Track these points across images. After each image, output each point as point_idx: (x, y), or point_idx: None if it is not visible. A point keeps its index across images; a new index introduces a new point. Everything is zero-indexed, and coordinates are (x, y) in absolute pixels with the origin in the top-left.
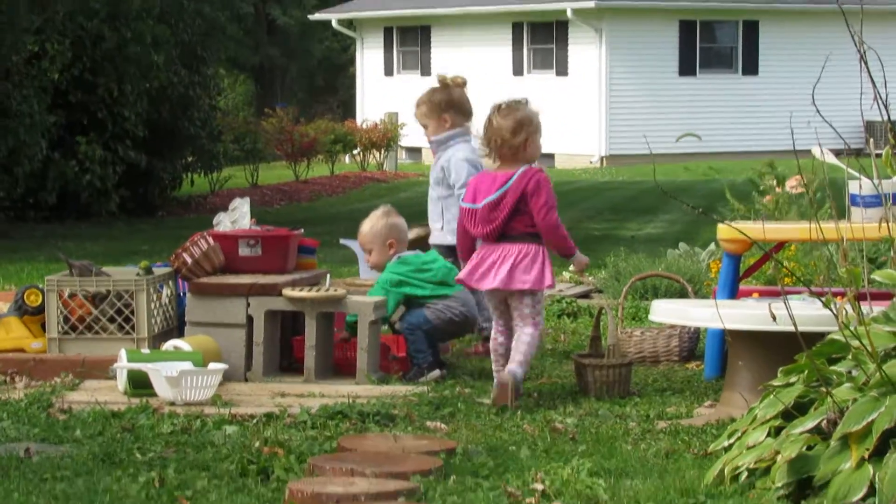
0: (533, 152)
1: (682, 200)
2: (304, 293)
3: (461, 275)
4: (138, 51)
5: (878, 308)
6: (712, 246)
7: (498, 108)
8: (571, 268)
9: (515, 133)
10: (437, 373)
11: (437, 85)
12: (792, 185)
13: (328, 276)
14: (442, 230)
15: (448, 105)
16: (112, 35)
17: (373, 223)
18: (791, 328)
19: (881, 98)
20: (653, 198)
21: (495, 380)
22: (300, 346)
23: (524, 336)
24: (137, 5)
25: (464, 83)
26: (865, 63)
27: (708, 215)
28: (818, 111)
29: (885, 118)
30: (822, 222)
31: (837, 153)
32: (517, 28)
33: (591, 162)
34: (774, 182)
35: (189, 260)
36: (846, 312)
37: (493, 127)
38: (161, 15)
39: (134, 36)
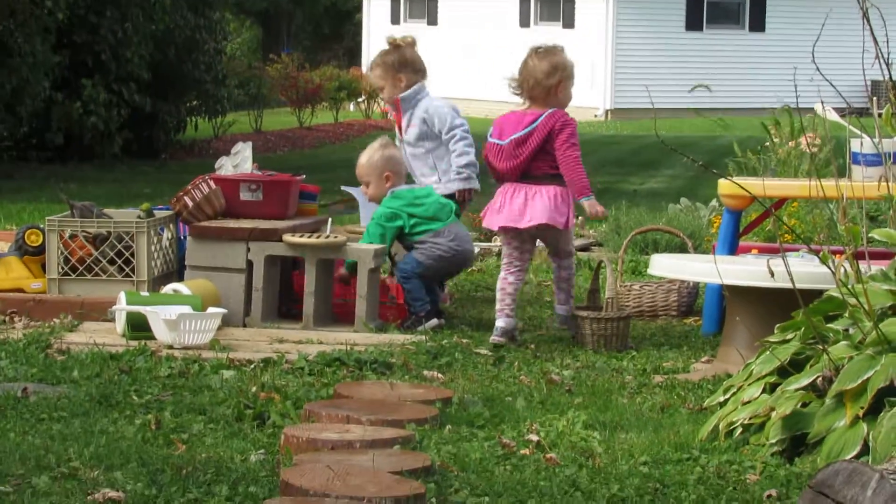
0: (564, 97)
1: (685, 154)
2: (304, 239)
3: (488, 220)
4: None
5: (876, 267)
6: (714, 202)
7: (535, 51)
8: (587, 209)
9: (549, 75)
10: (434, 321)
11: (377, 56)
12: (810, 140)
13: (329, 221)
14: (440, 182)
15: (402, 65)
16: None
17: (369, 155)
18: (789, 285)
19: (883, 56)
20: (656, 152)
21: (502, 324)
22: (301, 281)
23: (570, 271)
24: None
25: (413, 42)
26: (867, 20)
27: (710, 170)
28: (818, 69)
29: (887, 77)
30: (822, 180)
31: (841, 112)
32: None
33: (595, 115)
34: (788, 136)
35: (190, 203)
36: (844, 270)
37: (528, 67)
38: None
39: None
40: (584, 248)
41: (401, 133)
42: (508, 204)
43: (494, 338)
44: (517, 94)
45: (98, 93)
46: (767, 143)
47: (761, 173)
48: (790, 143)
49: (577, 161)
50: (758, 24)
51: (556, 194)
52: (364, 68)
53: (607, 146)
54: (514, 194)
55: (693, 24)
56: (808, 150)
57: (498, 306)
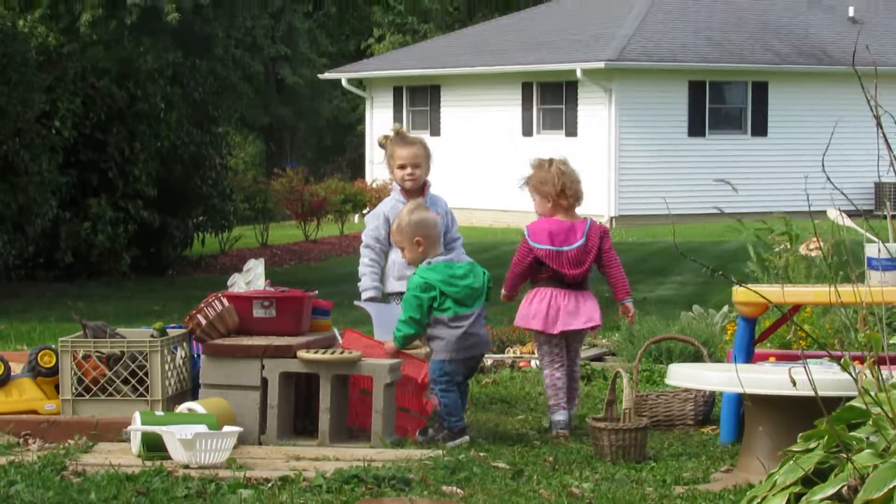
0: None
1: (698, 261)
2: (318, 355)
3: (538, 323)
4: (148, 109)
5: None
6: (726, 308)
7: (557, 160)
8: (630, 309)
9: (580, 183)
10: (466, 438)
11: (414, 138)
12: (810, 246)
13: (336, 332)
14: None
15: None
16: (123, 94)
17: (398, 221)
18: (811, 393)
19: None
20: (663, 259)
21: (563, 417)
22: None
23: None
24: (149, 65)
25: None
26: (880, 126)
27: (726, 276)
28: (828, 178)
29: None
30: (839, 286)
31: (852, 214)
32: (527, 88)
33: (600, 223)
34: (788, 243)
35: (203, 321)
36: (865, 377)
37: (566, 174)
38: (173, 75)
39: (144, 95)
40: (598, 358)
41: None
42: (562, 307)
43: (559, 430)
44: (563, 200)
45: (105, 211)
46: (778, 249)
47: (765, 280)
48: (802, 246)
49: (620, 264)
50: (760, 129)
51: (592, 296)
52: (368, 180)
53: None
54: (562, 297)
55: (696, 129)
56: (814, 255)
57: (552, 402)
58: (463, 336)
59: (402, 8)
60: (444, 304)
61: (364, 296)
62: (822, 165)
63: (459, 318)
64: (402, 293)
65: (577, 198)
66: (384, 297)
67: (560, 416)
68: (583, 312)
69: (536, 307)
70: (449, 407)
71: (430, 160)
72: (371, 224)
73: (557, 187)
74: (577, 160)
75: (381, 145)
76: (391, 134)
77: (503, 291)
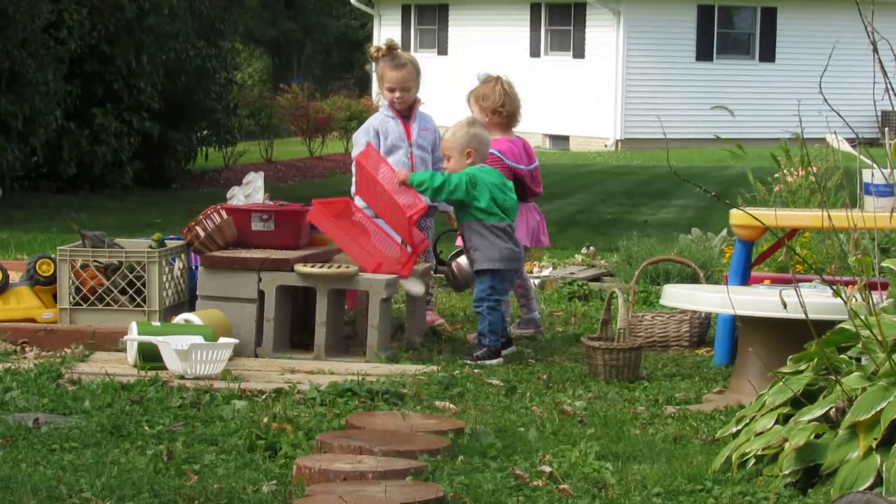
0: None
1: (697, 184)
2: (316, 269)
3: (532, 241)
4: (156, 22)
5: (887, 296)
6: (724, 232)
7: (503, 80)
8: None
9: (520, 108)
10: (501, 360)
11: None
12: (815, 170)
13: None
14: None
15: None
16: (130, 5)
17: (454, 131)
18: (802, 316)
19: (892, 88)
20: (666, 183)
21: (532, 316)
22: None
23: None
24: None
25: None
26: (877, 52)
27: (721, 200)
28: (826, 101)
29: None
30: (833, 210)
31: (852, 142)
32: (535, 9)
33: (605, 145)
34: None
35: (202, 233)
36: (856, 301)
37: (508, 94)
38: None
39: (152, 7)
40: (595, 279)
41: (408, 137)
42: (539, 223)
43: (536, 330)
44: (497, 117)
45: (109, 122)
46: (777, 175)
47: (771, 204)
48: (799, 171)
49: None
50: (768, 55)
51: None
52: (374, 98)
53: (617, 176)
54: (531, 213)
55: (703, 54)
56: (814, 180)
57: (525, 302)
58: (505, 246)
59: None
60: (493, 210)
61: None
62: (820, 89)
63: (505, 230)
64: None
65: (511, 118)
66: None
67: (534, 314)
68: (543, 226)
69: (524, 224)
70: (493, 325)
71: (419, 79)
72: (361, 140)
73: (497, 103)
74: (584, 82)
75: (374, 59)
76: (383, 47)
77: None
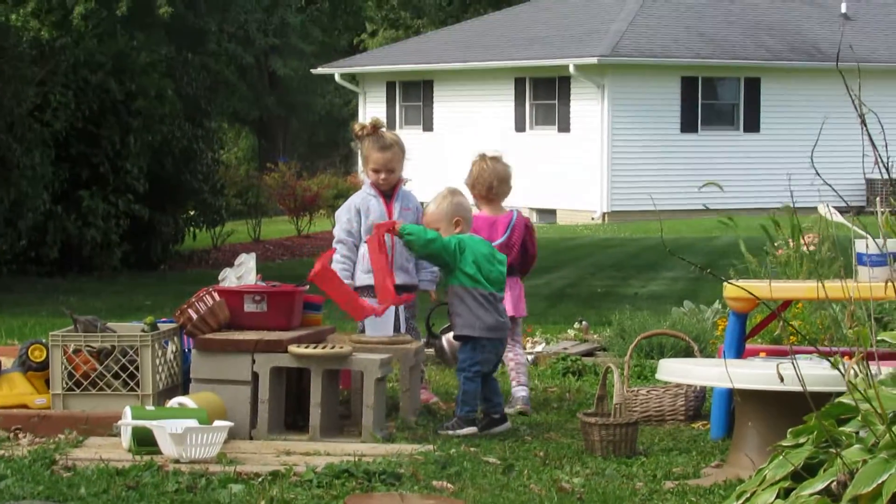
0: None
1: (688, 260)
2: (310, 350)
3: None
4: (144, 104)
5: (885, 369)
6: (717, 304)
7: (488, 156)
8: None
9: (510, 179)
10: (475, 429)
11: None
12: (808, 240)
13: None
14: (414, 274)
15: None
16: (118, 88)
17: (438, 203)
18: (799, 388)
19: (881, 159)
20: (655, 255)
21: (525, 392)
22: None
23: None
24: (143, 59)
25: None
26: (864, 124)
27: (715, 274)
28: (817, 172)
29: (885, 177)
30: (827, 282)
31: (842, 210)
32: (520, 83)
33: (592, 218)
34: (789, 238)
35: (194, 316)
36: (854, 373)
37: (490, 170)
38: (166, 69)
39: (139, 89)
40: (589, 353)
41: (390, 216)
42: (518, 289)
43: (524, 406)
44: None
45: (97, 204)
46: (766, 247)
47: (762, 275)
48: (790, 243)
49: (535, 255)
50: (752, 125)
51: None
52: (361, 175)
53: (605, 249)
54: (514, 283)
55: (688, 125)
56: (807, 250)
57: (515, 376)
58: (488, 316)
59: (395, 3)
60: (479, 277)
61: None
62: (812, 161)
63: (488, 299)
64: (371, 286)
65: (504, 190)
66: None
67: (523, 391)
68: (522, 299)
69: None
70: (468, 395)
71: (404, 159)
72: (343, 217)
73: (486, 186)
74: (569, 155)
75: (358, 137)
76: (368, 126)
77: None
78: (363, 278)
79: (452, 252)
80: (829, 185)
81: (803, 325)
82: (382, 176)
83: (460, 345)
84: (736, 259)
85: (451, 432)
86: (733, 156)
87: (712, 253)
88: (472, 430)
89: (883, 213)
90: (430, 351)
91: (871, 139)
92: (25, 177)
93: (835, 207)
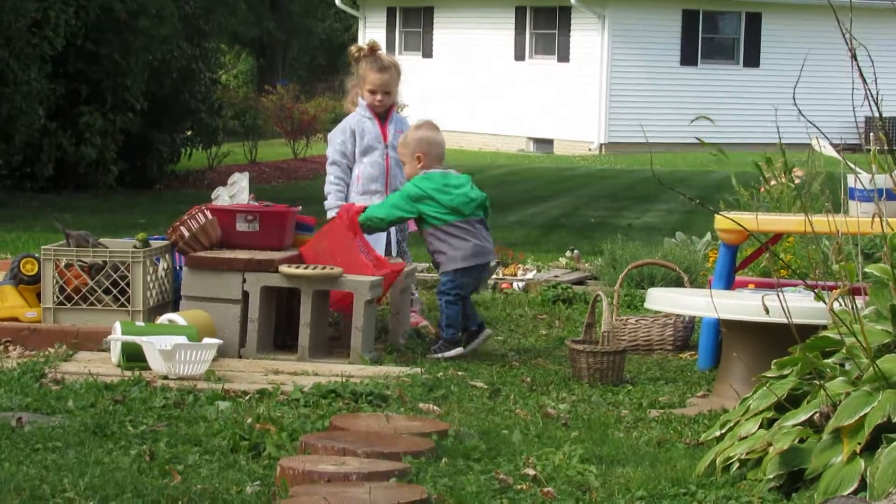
0: None
1: (680, 192)
2: (301, 270)
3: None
4: (145, 24)
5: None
6: (709, 236)
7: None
8: None
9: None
10: (461, 350)
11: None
12: (798, 174)
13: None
14: None
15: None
16: (119, 6)
17: (404, 136)
18: (785, 320)
19: (872, 95)
20: (650, 187)
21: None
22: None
23: None
24: None
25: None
26: (855, 60)
27: (705, 206)
28: (800, 111)
29: (876, 115)
30: (815, 215)
31: (836, 147)
32: (520, 12)
33: (589, 149)
34: (782, 171)
35: (186, 233)
36: (840, 306)
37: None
38: None
39: (140, 8)
40: (580, 282)
41: (384, 138)
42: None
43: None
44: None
45: (94, 121)
46: (760, 180)
47: (754, 209)
48: (782, 177)
49: None
50: (752, 60)
51: None
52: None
53: (601, 180)
54: None
55: (688, 59)
56: (797, 183)
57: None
58: (465, 244)
59: None
60: (442, 214)
61: (328, 214)
62: (793, 97)
63: (459, 227)
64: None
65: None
66: None
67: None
68: None
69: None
70: (451, 318)
71: (400, 82)
72: (337, 139)
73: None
74: (568, 86)
75: (354, 59)
76: (364, 48)
77: None
78: (357, 200)
79: (408, 208)
80: (811, 122)
81: (793, 258)
82: (378, 97)
83: (441, 270)
84: (729, 193)
85: (438, 355)
86: (732, 90)
87: (708, 187)
88: (458, 350)
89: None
90: (422, 275)
91: (861, 73)
92: (20, 92)
93: (830, 143)
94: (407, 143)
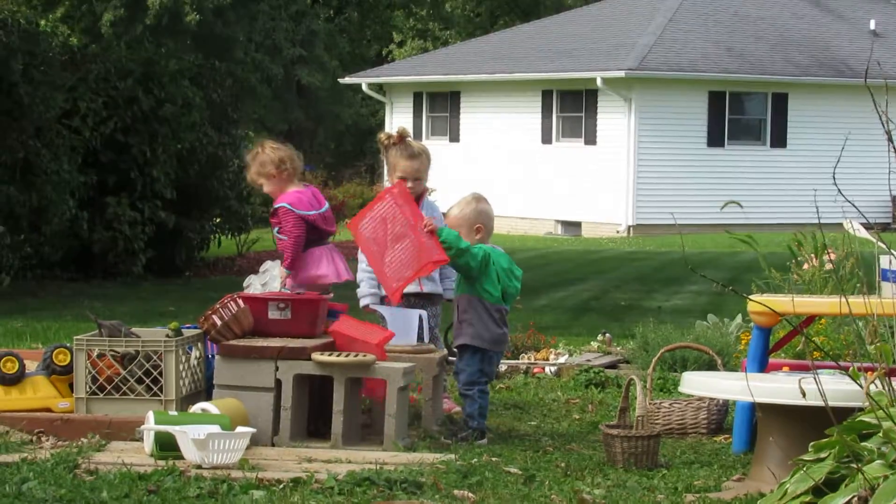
0: None
1: (711, 278)
2: (333, 358)
3: (340, 276)
4: (172, 112)
5: None
6: (740, 318)
7: (266, 143)
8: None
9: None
10: (485, 441)
11: (419, 148)
12: (831, 257)
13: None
14: (439, 282)
15: None
16: (146, 96)
17: (461, 208)
18: (821, 403)
19: None
20: (680, 269)
21: None
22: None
23: None
24: (172, 67)
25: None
26: (891, 140)
27: (737, 292)
28: (839, 190)
29: None
30: (850, 297)
31: (866, 227)
32: (547, 96)
33: (617, 231)
34: (813, 255)
35: (218, 322)
36: (875, 388)
37: (278, 149)
38: (194, 77)
39: (167, 97)
40: (612, 366)
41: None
42: (339, 259)
43: None
44: (283, 174)
45: (124, 210)
46: (792, 262)
47: (786, 291)
48: (814, 260)
49: None
50: (779, 141)
51: None
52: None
53: (630, 262)
54: (334, 252)
55: (715, 140)
56: (832, 267)
57: None
58: (498, 330)
59: (423, 14)
60: (498, 294)
61: (361, 303)
62: (833, 178)
63: (501, 313)
64: (408, 294)
65: (295, 170)
66: (381, 302)
67: None
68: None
69: (328, 263)
70: (483, 408)
71: (429, 168)
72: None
73: (276, 162)
74: (595, 169)
75: (384, 146)
76: (394, 135)
77: (287, 266)
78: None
79: (480, 263)
80: (849, 201)
81: (826, 340)
82: (410, 185)
83: (462, 354)
84: (757, 275)
85: (476, 443)
86: (760, 171)
87: (737, 268)
88: (485, 441)
89: None
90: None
91: None
92: (51, 182)
93: (862, 224)
94: (465, 215)
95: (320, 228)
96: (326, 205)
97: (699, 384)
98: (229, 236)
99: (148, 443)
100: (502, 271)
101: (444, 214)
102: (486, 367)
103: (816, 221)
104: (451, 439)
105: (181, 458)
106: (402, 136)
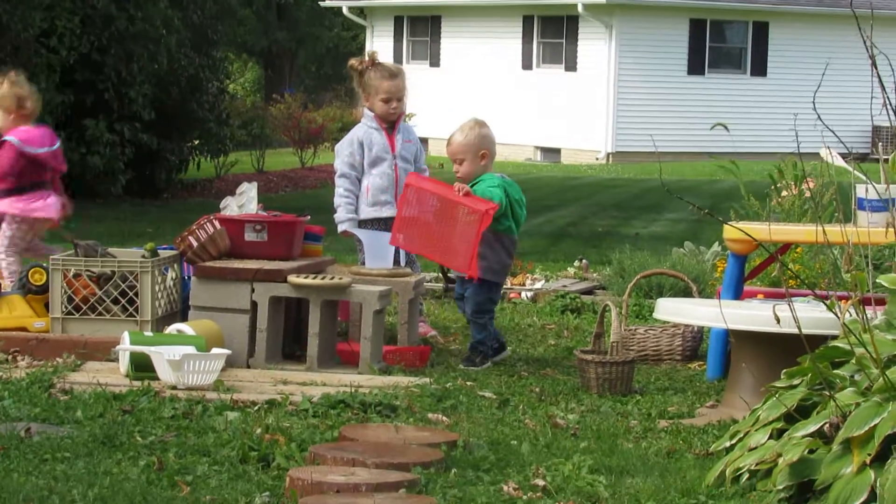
0: None
1: (688, 201)
2: (309, 280)
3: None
4: (148, 31)
5: (882, 312)
6: (717, 246)
7: (10, 76)
8: None
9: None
10: (507, 352)
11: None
12: (809, 185)
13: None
14: None
15: None
16: (121, 15)
17: (465, 133)
18: (795, 331)
19: (890, 103)
20: (658, 196)
21: None
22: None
23: None
24: None
25: None
26: (875, 67)
27: (714, 216)
28: (819, 117)
29: (893, 123)
30: (827, 225)
31: (844, 156)
32: (528, 21)
33: (597, 158)
34: (792, 182)
35: (195, 243)
36: (850, 316)
37: (16, 84)
38: None
39: (144, 17)
40: (588, 292)
41: (392, 149)
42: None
43: None
44: (9, 113)
45: (101, 132)
46: (772, 188)
47: (764, 218)
48: (793, 188)
49: None
50: (759, 69)
51: None
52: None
53: (608, 189)
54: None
55: (695, 68)
56: (809, 196)
57: None
58: (507, 261)
59: None
60: (513, 225)
61: (339, 227)
62: (813, 105)
63: (514, 243)
64: (376, 219)
65: (34, 110)
66: (359, 226)
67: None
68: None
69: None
70: (483, 333)
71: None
72: (345, 151)
73: (14, 101)
74: (575, 95)
75: (356, 70)
76: (366, 60)
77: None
78: (367, 211)
79: (504, 209)
80: (829, 129)
81: (802, 268)
82: (394, 105)
83: (476, 284)
84: (736, 203)
85: (473, 368)
86: (740, 99)
87: (715, 196)
88: (489, 364)
89: (886, 160)
90: (430, 284)
91: (880, 80)
92: None
93: (838, 153)
94: (470, 142)
95: (52, 167)
96: (58, 143)
97: (674, 311)
98: (208, 158)
99: (123, 363)
100: (516, 203)
101: (446, 142)
102: (494, 294)
103: (797, 151)
104: (464, 364)
105: (156, 378)
106: (373, 59)
